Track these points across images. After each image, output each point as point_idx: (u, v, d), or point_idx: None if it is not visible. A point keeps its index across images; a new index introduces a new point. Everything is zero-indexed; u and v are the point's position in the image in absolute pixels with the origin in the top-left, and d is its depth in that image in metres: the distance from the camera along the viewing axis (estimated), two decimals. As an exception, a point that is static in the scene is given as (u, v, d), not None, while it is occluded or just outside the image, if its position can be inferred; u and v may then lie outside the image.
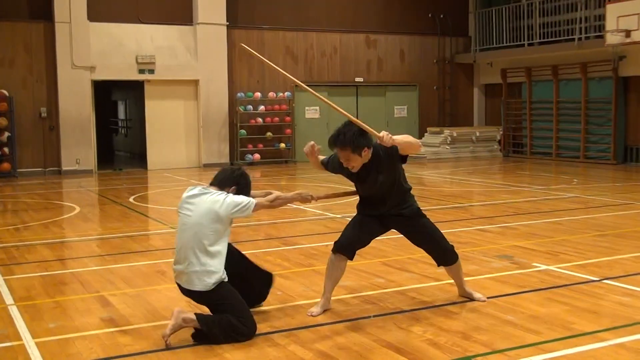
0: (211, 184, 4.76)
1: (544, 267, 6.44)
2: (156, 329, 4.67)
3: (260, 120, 18.74)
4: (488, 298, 5.34)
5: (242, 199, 4.56)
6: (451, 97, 21.82)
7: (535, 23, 19.21)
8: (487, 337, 4.49)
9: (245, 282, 4.86)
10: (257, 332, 4.56)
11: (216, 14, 18.00)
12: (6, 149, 16.17)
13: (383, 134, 4.54)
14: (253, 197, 4.71)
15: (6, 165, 16.09)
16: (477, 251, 7.14)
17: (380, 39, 20.54)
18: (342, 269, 5.12)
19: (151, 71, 17.57)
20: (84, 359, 4.24)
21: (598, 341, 4.38)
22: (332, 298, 5.16)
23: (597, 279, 5.97)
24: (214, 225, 4.50)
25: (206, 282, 4.46)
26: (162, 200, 12.39)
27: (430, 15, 21.18)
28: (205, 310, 4.66)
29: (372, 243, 5.33)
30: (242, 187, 4.73)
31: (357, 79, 20.26)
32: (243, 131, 18.50)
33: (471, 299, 5.31)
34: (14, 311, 5.23)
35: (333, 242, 5.14)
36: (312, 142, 5.08)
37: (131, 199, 12.02)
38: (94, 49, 16.93)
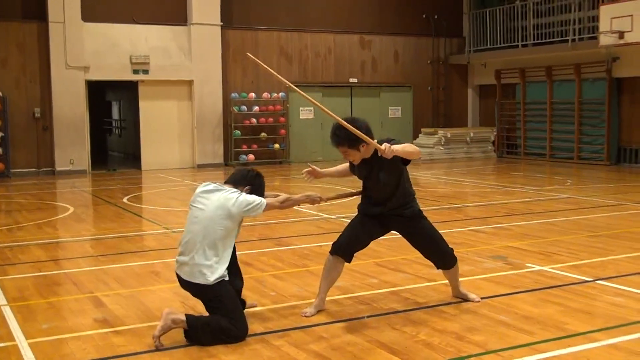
0: (226, 182, 4.83)
1: (537, 267, 6.45)
2: (150, 330, 4.66)
3: (254, 120, 18.74)
4: (482, 298, 5.35)
5: (254, 198, 4.63)
6: (445, 98, 21.85)
7: (529, 24, 19.25)
8: (481, 337, 4.50)
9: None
10: (250, 333, 4.56)
11: (210, 15, 17.99)
12: (0, 149, 16.13)
13: (385, 146, 4.55)
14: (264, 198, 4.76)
15: (0, 166, 16.05)
16: (470, 252, 7.15)
17: (374, 39, 20.56)
18: (339, 271, 5.12)
19: (145, 71, 17.54)
20: (77, 359, 4.24)
21: (591, 341, 4.40)
22: (326, 299, 5.17)
23: (590, 279, 5.99)
24: (225, 222, 4.54)
25: (207, 277, 4.48)
26: (156, 201, 12.36)
27: (424, 16, 21.21)
28: (199, 309, 4.65)
29: (367, 244, 5.34)
30: (256, 187, 4.81)
31: (351, 80, 20.28)
32: (237, 132, 18.49)
33: (465, 299, 5.32)
34: (7, 312, 5.22)
35: (331, 243, 5.13)
36: (305, 170, 5.20)
37: (125, 200, 12.00)
38: (87, 49, 16.90)
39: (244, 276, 5.19)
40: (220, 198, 4.59)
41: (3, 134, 16.15)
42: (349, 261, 5.13)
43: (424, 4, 21.20)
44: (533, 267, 6.45)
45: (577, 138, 18.16)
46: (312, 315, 4.99)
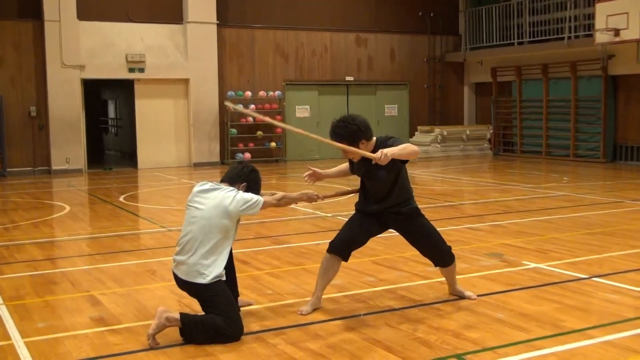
0: (222, 181, 4.83)
1: (533, 265, 6.46)
2: (146, 328, 4.64)
3: (250, 119, 18.72)
4: (478, 296, 5.35)
5: (251, 196, 4.63)
6: (441, 96, 21.86)
7: (525, 22, 19.27)
8: (477, 334, 4.51)
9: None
10: (247, 331, 4.55)
11: (206, 13, 17.97)
12: (-5, 148, 16.12)
13: (379, 153, 4.47)
14: (261, 196, 4.76)
15: (-5, 165, 16.04)
16: (467, 249, 7.16)
17: (370, 37, 20.56)
18: (336, 269, 5.12)
19: (141, 70, 17.52)
20: (73, 358, 4.23)
21: (587, 338, 4.41)
22: (323, 297, 5.17)
23: (586, 276, 6.00)
24: (223, 221, 4.54)
25: (205, 276, 4.48)
26: (153, 200, 12.35)
27: (420, 14, 21.21)
28: (195, 307, 4.65)
29: (364, 242, 5.33)
30: (252, 183, 4.81)
31: (347, 78, 20.27)
32: (233, 130, 18.49)
33: (461, 297, 5.33)
34: (3, 311, 5.21)
35: (329, 242, 5.12)
36: (307, 174, 5.21)
37: (121, 198, 11.98)
38: (83, 48, 16.87)
39: (241, 274, 5.19)
40: (218, 197, 4.59)
41: (-1, 133, 16.14)
42: (346, 260, 5.12)
43: (420, 2, 21.21)
44: (529, 265, 6.46)
45: (573, 136, 18.19)
46: (308, 314, 4.99)
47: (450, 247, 5.23)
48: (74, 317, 5.06)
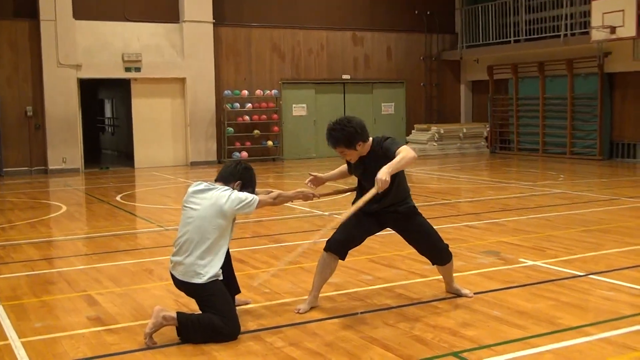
0: (216, 180, 4.82)
1: (530, 262, 6.47)
2: (143, 328, 4.64)
3: (247, 118, 18.72)
4: (475, 294, 5.36)
5: (246, 195, 4.63)
6: (438, 94, 21.87)
7: (521, 20, 19.29)
8: (474, 332, 4.51)
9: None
10: (244, 330, 4.56)
11: (203, 12, 17.96)
12: (-8, 148, 16.10)
13: (378, 183, 4.44)
14: (256, 194, 4.75)
15: (-8, 165, 16.02)
16: (464, 247, 7.17)
17: (367, 36, 20.56)
18: (333, 268, 5.12)
19: (138, 69, 17.51)
20: (70, 358, 4.23)
21: (583, 336, 4.41)
22: (320, 295, 5.17)
23: (583, 274, 6.01)
24: (219, 220, 4.54)
25: (202, 276, 4.48)
26: (149, 199, 12.34)
27: (416, 12, 21.22)
28: (192, 307, 4.65)
29: (360, 240, 5.33)
30: (246, 181, 4.80)
31: (344, 76, 20.27)
32: (230, 129, 18.48)
33: (458, 295, 5.33)
34: (0, 311, 5.20)
35: (326, 240, 5.12)
36: (308, 180, 5.23)
37: (118, 198, 11.97)
38: (79, 47, 16.85)
39: (238, 273, 5.19)
40: (213, 197, 4.59)
41: (-5, 133, 16.12)
42: (343, 258, 5.13)
43: (416, 1, 21.21)
44: (526, 262, 6.47)
45: (570, 133, 18.20)
46: (305, 312, 5.00)
47: (447, 245, 5.24)
48: (71, 317, 5.06)
